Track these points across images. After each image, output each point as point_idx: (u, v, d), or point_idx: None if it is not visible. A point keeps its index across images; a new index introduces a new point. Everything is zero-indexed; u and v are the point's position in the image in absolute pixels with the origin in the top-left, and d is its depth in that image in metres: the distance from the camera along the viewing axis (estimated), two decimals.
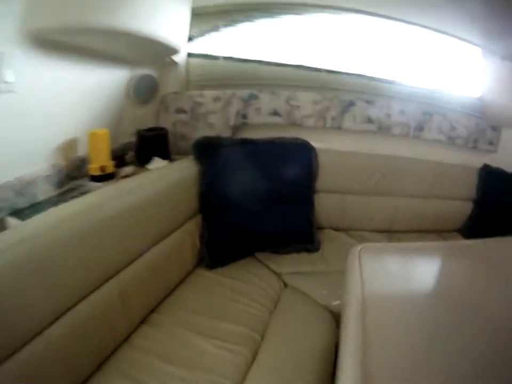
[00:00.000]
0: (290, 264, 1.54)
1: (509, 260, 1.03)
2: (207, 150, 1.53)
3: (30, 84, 1.18)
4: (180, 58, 1.92)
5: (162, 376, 0.91)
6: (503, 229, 1.40)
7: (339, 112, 2.06)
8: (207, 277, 1.39)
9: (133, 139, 1.80)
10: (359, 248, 0.96)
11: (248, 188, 1.54)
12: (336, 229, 1.84)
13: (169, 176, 1.39)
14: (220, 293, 1.29)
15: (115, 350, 0.98)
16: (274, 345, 1.09)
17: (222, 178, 1.49)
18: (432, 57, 2.18)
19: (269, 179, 1.59)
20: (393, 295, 0.85)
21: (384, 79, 2.16)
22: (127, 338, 1.03)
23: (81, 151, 1.54)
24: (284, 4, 1.99)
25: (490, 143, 2.33)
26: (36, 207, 1.26)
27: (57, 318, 0.80)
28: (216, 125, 2.02)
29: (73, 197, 1.27)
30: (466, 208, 2.06)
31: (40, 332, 0.76)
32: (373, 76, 2.15)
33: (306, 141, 1.78)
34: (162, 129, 1.88)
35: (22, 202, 1.25)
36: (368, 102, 2.08)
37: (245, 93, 2.01)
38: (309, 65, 2.10)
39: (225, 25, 2.00)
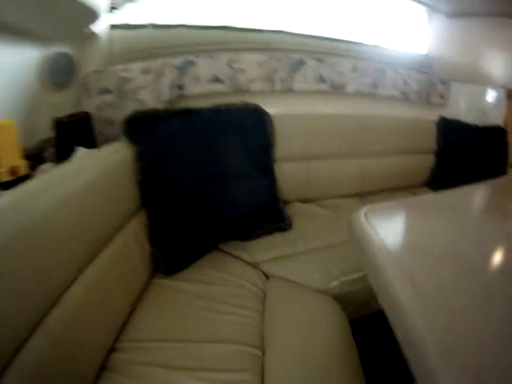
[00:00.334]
0: (265, 250, 1.28)
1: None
2: (141, 127, 1.22)
3: None
4: (101, 30, 1.60)
5: None
6: (466, 178, 1.32)
7: (288, 72, 1.85)
8: (168, 286, 1.07)
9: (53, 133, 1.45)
10: (362, 213, 0.83)
11: (196, 167, 1.26)
12: (304, 201, 1.64)
13: (94, 166, 0.98)
14: (190, 305, 0.98)
15: None
16: (282, 356, 0.83)
17: (163, 160, 1.18)
18: (380, 16, 2.16)
19: (219, 153, 1.33)
20: (422, 246, 0.76)
21: (333, 38, 2.02)
22: None
23: None
24: None
25: (442, 97, 2.39)
26: None
27: None
28: (148, 102, 1.70)
29: None
30: (430, 161, 2.07)
31: None
32: (321, 35, 1.99)
33: (257, 105, 1.54)
34: (84, 113, 1.56)
35: None
36: (319, 60, 1.89)
37: (179, 60, 1.71)
38: (250, 27, 1.87)
39: None
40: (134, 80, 1.65)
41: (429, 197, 1.35)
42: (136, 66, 1.65)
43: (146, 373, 0.77)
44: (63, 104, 1.56)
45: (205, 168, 1.28)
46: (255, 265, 1.22)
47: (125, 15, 1.68)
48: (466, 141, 2.08)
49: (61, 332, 0.66)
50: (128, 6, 1.68)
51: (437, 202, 1.05)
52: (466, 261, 0.69)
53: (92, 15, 1.33)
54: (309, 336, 0.88)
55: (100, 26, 1.53)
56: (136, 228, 1.08)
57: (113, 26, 1.65)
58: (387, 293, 0.60)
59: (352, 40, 2.07)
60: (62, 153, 1.31)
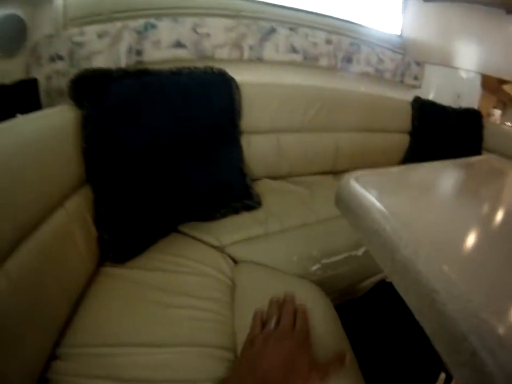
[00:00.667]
0: (232, 231, 1.09)
1: None
2: (89, 87, 1.00)
3: None
4: None
5: None
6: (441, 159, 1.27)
7: (258, 40, 1.67)
8: (119, 276, 0.85)
9: None
10: (352, 178, 0.71)
11: (151, 135, 1.06)
12: (274, 178, 1.48)
13: (28, 130, 0.73)
14: (144, 299, 0.77)
15: None
16: None
17: (113, 125, 0.95)
18: None
19: (179, 121, 1.13)
20: (420, 205, 0.67)
21: (306, 10, 1.86)
22: None
23: None
24: None
25: (416, 78, 2.36)
26: None
27: None
28: None
29: None
30: (405, 141, 2.02)
31: None
32: (295, 6, 1.83)
33: (223, 70, 1.37)
34: (31, 79, 1.33)
35: None
36: (291, 29, 1.74)
37: (139, 23, 1.50)
38: None
39: None
40: (88, 44, 1.42)
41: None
42: (92, 30, 1.42)
43: None
44: (11, 72, 1.32)
45: (162, 137, 1.08)
46: (220, 249, 1.04)
47: None
48: (441, 122, 2.04)
49: None
50: None
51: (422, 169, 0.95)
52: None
53: None
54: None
55: None
56: (79, 206, 0.85)
57: None
58: (394, 259, 0.47)
59: (326, 14, 1.92)
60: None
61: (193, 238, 1.06)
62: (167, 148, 1.08)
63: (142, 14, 1.54)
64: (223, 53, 1.63)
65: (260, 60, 1.70)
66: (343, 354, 0.57)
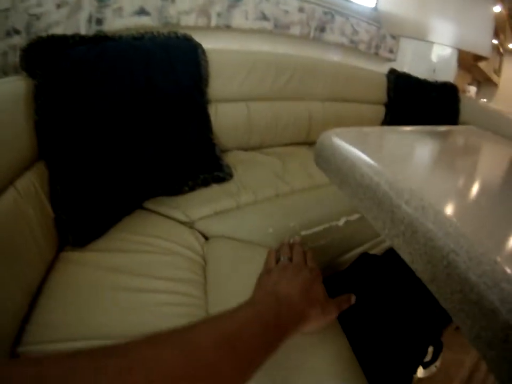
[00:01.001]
0: (202, 205, 1.00)
1: None
2: (43, 54, 0.87)
3: None
4: None
5: None
6: None
7: (226, 7, 1.56)
8: (80, 262, 0.74)
9: None
10: (332, 133, 0.64)
11: (112, 105, 0.95)
12: (245, 149, 1.39)
13: None
14: (108, 285, 0.68)
15: None
16: None
17: (68, 95, 0.84)
18: None
19: (140, 88, 1.02)
20: (412, 159, 0.62)
21: None
22: None
23: None
24: None
25: (391, 51, 2.32)
26: None
27: None
28: None
29: None
30: (380, 112, 1.98)
31: None
32: None
33: (189, 35, 1.25)
34: None
35: None
36: None
37: None
38: None
39: None
40: (46, 16, 1.28)
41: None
42: (50, 0, 1.28)
43: None
44: None
45: (123, 107, 0.96)
46: (189, 225, 0.94)
47: None
48: (417, 94, 2.00)
49: None
50: None
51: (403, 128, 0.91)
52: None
53: None
54: None
55: None
56: (32, 184, 0.73)
57: None
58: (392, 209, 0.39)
59: None
60: None
61: (160, 214, 0.97)
62: (128, 118, 0.97)
63: None
64: (189, 20, 1.51)
65: (228, 28, 1.59)
66: (350, 295, 0.59)
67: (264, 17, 1.65)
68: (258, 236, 0.91)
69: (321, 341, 0.56)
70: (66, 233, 0.79)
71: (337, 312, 0.54)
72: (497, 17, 2.59)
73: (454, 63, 2.41)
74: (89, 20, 1.36)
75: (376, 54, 2.17)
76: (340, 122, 1.71)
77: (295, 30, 1.75)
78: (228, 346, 0.34)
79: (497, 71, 4.88)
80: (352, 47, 1.99)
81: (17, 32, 1.29)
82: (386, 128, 0.96)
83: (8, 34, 1.28)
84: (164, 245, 0.82)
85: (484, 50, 2.49)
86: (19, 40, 1.30)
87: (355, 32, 1.99)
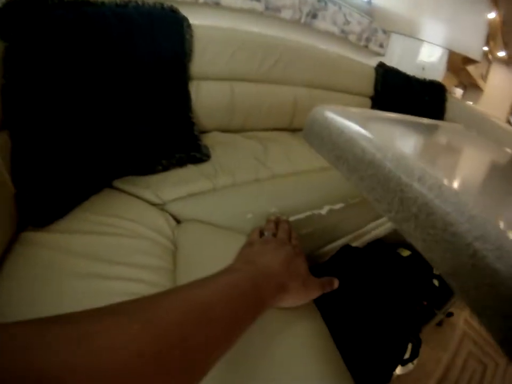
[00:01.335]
0: (175, 185, 0.91)
1: None
2: (18, 16, 0.77)
3: None
4: None
5: None
6: None
7: None
8: (42, 244, 0.65)
9: None
10: (324, 108, 0.58)
11: (88, 73, 0.86)
12: (225, 131, 1.31)
13: None
14: (70, 270, 0.59)
15: None
16: None
17: (41, 60, 0.75)
18: None
19: (120, 59, 0.93)
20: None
21: None
22: None
23: None
24: None
25: (381, 46, 2.28)
26: None
27: None
28: None
29: None
30: (366, 104, 1.94)
31: None
32: None
33: (175, 7, 1.17)
34: None
35: None
36: None
37: None
38: None
39: None
40: None
41: None
42: None
43: None
44: None
45: (97, 75, 0.87)
46: (161, 206, 0.86)
47: None
48: (405, 90, 1.97)
49: None
50: None
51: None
52: None
53: None
54: None
55: None
56: None
57: None
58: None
59: None
60: None
61: (130, 194, 0.88)
62: (102, 88, 0.88)
63: None
64: None
65: (217, 5, 1.50)
66: (333, 279, 0.57)
67: None
68: (236, 221, 0.85)
69: (297, 318, 0.52)
70: (27, 211, 0.70)
71: (319, 291, 0.52)
72: (490, 23, 2.60)
73: (443, 63, 2.40)
74: None
75: (366, 47, 2.13)
76: None
77: (286, 14, 1.68)
78: (200, 317, 0.30)
79: (484, 77, 5.00)
80: (342, 37, 1.95)
81: None
82: (377, 111, 0.92)
83: None
84: (131, 228, 0.73)
85: (475, 54, 2.50)
86: None
87: (347, 22, 1.94)
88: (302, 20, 1.74)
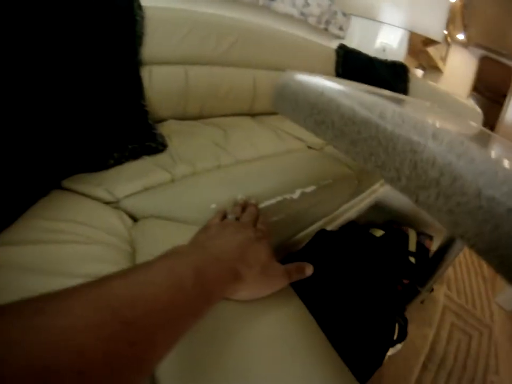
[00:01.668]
0: (130, 180, 0.82)
1: None
2: None
3: None
4: None
5: None
6: None
7: None
8: None
9: None
10: (294, 72, 0.55)
11: (24, 59, 0.75)
12: (181, 119, 1.22)
13: None
14: (15, 289, 0.48)
15: None
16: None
17: None
18: None
19: (63, 43, 0.82)
20: None
21: None
22: None
23: None
24: None
25: (341, 28, 2.24)
26: None
27: None
28: None
29: None
30: None
31: None
32: None
33: None
34: None
35: None
36: None
37: None
38: None
39: None
40: None
41: None
42: None
43: None
44: None
45: (38, 63, 0.77)
46: (115, 204, 0.77)
47: None
48: (366, 71, 1.96)
49: None
50: None
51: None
52: None
53: None
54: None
55: None
56: None
57: None
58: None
59: None
60: None
61: (80, 193, 0.77)
62: (43, 77, 0.77)
63: None
64: None
65: None
66: (304, 264, 0.50)
67: None
68: (199, 214, 0.76)
69: (272, 304, 0.45)
70: None
71: (285, 279, 0.45)
72: (451, 7, 2.63)
73: (404, 45, 2.41)
74: None
75: (326, 29, 2.08)
76: None
77: None
78: (112, 320, 0.23)
79: (444, 59, 5.14)
80: (301, 19, 1.88)
81: None
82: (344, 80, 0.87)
83: None
84: (83, 232, 0.63)
85: (436, 35, 2.52)
86: None
87: (306, 4, 1.88)
88: (260, 2, 1.66)
